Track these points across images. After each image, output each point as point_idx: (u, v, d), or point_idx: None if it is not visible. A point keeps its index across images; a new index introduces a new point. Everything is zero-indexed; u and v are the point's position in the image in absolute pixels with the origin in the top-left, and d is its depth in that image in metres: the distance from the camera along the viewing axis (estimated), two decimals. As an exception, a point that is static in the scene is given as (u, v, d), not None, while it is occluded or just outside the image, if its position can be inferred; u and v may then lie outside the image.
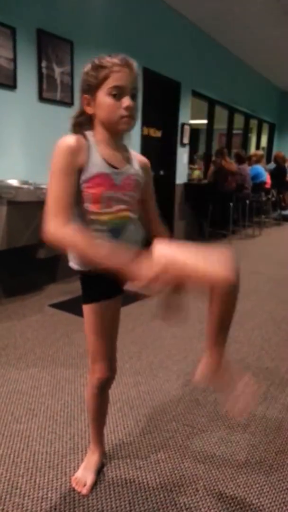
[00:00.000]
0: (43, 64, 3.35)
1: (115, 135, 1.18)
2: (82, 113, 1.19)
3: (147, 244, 1.27)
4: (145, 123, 4.92)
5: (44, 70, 3.36)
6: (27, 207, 2.86)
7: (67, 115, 1.24)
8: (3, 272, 3.24)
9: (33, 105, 3.35)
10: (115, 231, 1.20)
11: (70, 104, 3.59)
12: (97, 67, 1.12)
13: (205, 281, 1.07)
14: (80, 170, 1.12)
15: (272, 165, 7.97)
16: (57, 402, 1.94)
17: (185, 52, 5.48)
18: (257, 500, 1.42)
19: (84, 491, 1.42)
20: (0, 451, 1.61)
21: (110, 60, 1.11)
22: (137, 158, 1.28)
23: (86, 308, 1.30)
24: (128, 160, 1.23)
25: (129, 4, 4.29)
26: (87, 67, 1.15)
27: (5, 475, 1.50)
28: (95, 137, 1.18)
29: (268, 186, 7.23)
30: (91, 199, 1.15)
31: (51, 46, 3.39)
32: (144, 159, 1.32)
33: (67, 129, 1.22)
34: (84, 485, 1.44)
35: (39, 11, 3.29)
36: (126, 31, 4.30)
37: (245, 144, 8.52)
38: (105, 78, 1.10)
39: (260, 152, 7.73)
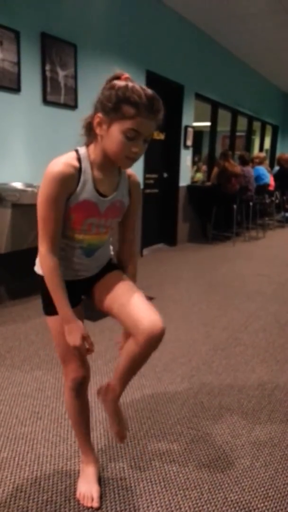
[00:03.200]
0: (47, 67, 3.36)
1: (111, 162, 1.17)
2: (90, 122, 1.16)
3: (110, 264, 1.38)
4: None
5: (48, 73, 3.37)
6: (31, 210, 2.82)
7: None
8: (7, 275, 3.25)
9: (37, 108, 3.36)
10: (89, 251, 1.27)
11: (74, 107, 3.61)
12: (124, 100, 1.05)
13: (132, 327, 1.18)
14: (69, 195, 1.14)
15: (276, 167, 7.97)
16: (62, 405, 1.94)
17: (188, 55, 5.49)
18: (262, 504, 1.42)
19: (95, 504, 1.38)
20: (5, 454, 1.61)
21: (139, 98, 1.05)
22: (128, 178, 1.27)
23: (50, 320, 1.30)
24: (117, 185, 1.23)
25: (132, 8, 4.31)
26: (113, 87, 1.07)
27: (10, 478, 1.50)
28: (90, 158, 1.16)
29: (271, 188, 7.22)
30: (73, 220, 1.18)
31: (55, 49, 3.41)
32: (135, 178, 1.30)
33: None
34: (92, 499, 1.39)
35: (43, 15, 3.30)
36: (129, 34, 4.31)
37: (248, 146, 8.52)
38: (129, 118, 1.06)
39: (263, 154, 7.73)
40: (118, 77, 1.12)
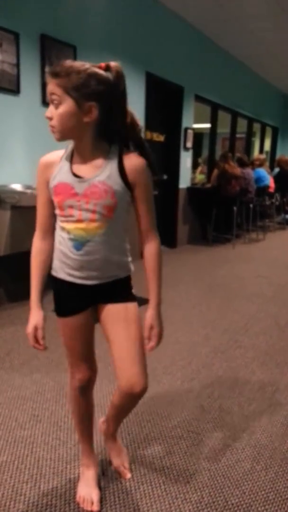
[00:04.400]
0: (46, 69, 3.36)
1: (85, 146, 1.16)
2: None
3: (124, 291, 1.30)
4: (148, 127, 4.93)
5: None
6: (31, 212, 2.82)
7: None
8: (6, 277, 3.24)
9: (37, 109, 3.36)
10: (77, 243, 1.20)
11: (73, 109, 3.60)
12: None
13: (117, 377, 1.25)
14: (48, 180, 1.21)
15: (276, 169, 7.97)
16: (61, 408, 1.93)
17: (188, 57, 5.50)
18: (263, 508, 1.41)
19: (95, 508, 1.37)
20: (4, 457, 1.61)
21: (47, 69, 1.17)
22: (126, 161, 1.17)
23: (57, 320, 1.31)
24: (99, 167, 1.16)
25: (131, 9, 4.31)
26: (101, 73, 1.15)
27: (9, 481, 1.49)
28: (74, 145, 1.20)
29: (271, 190, 7.22)
30: (56, 206, 1.22)
31: (54, 51, 3.41)
32: (134, 161, 1.18)
33: None
34: (92, 503, 1.38)
35: (42, 16, 3.31)
36: (129, 35, 4.32)
37: (248, 148, 8.52)
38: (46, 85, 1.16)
39: (263, 156, 7.73)
40: None
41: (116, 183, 1.16)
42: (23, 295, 3.35)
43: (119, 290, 1.28)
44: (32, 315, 1.26)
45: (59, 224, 1.23)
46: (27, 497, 1.42)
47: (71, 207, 1.17)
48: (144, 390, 1.23)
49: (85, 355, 1.36)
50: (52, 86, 1.11)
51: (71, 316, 1.28)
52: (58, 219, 1.23)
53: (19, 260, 3.20)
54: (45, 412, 1.89)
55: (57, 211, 1.22)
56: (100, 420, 1.56)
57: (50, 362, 2.35)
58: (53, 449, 1.66)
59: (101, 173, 1.17)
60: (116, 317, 1.26)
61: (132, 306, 1.28)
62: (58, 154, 1.22)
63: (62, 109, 1.11)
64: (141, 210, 1.23)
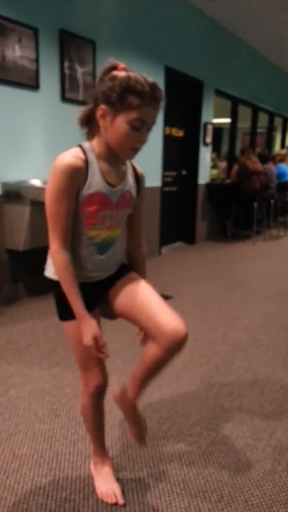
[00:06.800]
0: (66, 64, 3.36)
1: (115, 154, 1.16)
2: (89, 115, 1.15)
3: (124, 267, 1.34)
4: (167, 122, 4.88)
5: (66, 70, 3.37)
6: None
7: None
8: (26, 272, 3.27)
9: (56, 105, 3.36)
10: (102, 247, 1.23)
11: (92, 104, 3.60)
12: (129, 90, 1.04)
13: (155, 330, 1.17)
14: (78, 188, 1.12)
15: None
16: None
17: (208, 51, 5.42)
18: (284, 509, 1.37)
19: (120, 501, 1.37)
20: (24, 451, 1.62)
21: (142, 87, 1.04)
22: (133, 170, 1.26)
23: (68, 324, 1.24)
24: (123, 175, 1.21)
25: (150, 3, 4.27)
26: (114, 77, 1.06)
27: (29, 474, 1.50)
28: (94, 151, 1.15)
29: (292, 185, 7.08)
30: (86, 215, 1.15)
31: (73, 46, 3.40)
32: (140, 171, 1.28)
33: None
34: (116, 496, 1.38)
35: (61, 12, 3.30)
36: (148, 29, 4.28)
37: (269, 143, 8.38)
38: (135, 108, 1.05)
39: (284, 151, 7.57)
40: (115, 67, 1.10)
41: (135, 191, 1.26)
42: (43, 290, 3.38)
43: (119, 271, 1.32)
44: (87, 326, 1.17)
45: (80, 230, 1.18)
46: (46, 490, 1.43)
47: (104, 217, 1.18)
48: (187, 336, 1.17)
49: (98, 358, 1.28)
50: (155, 113, 1.10)
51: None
52: (82, 226, 1.17)
53: (39, 255, 3.22)
54: (64, 407, 1.90)
55: (84, 219, 1.16)
56: (115, 392, 1.35)
57: (69, 357, 2.36)
58: (72, 444, 1.66)
59: (127, 182, 1.22)
60: (128, 284, 1.28)
61: (132, 273, 1.33)
62: (79, 156, 1.12)
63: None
64: (137, 216, 1.32)
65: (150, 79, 1.08)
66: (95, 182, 1.14)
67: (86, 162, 1.12)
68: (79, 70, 3.49)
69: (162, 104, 1.11)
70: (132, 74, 1.06)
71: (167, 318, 1.16)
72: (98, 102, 1.10)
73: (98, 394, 1.34)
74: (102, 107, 1.08)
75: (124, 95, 1.05)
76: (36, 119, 3.24)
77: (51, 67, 3.28)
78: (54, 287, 1.21)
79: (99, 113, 1.10)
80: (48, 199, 1.12)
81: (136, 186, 1.26)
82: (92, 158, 1.14)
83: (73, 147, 1.15)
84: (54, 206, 1.11)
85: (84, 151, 1.14)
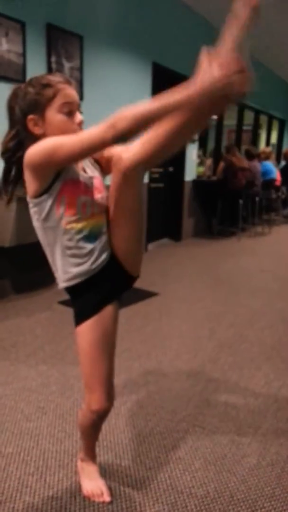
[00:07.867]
0: (53, 59, 3.32)
1: None
2: (18, 138, 1.13)
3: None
4: (155, 119, 4.87)
5: (53, 65, 3.34)
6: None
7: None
8: (12, 269, 3.24)
9: (43, 100, 3.32)
10: (92, 236, 1.17)
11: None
12: (42, 86, 1.10)
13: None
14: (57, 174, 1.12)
15: (282, 162, 7.89)
16: (67, 400, 1.93)
17: (195, 47, 5.37)
18: (268, 504, 1.40)
19: (107, 498, 1.38)
20: (10, 449, 1.61)
21: (48, 79, 1.11)
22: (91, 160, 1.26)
23: (86, 326, 1.21)
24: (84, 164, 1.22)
25: (139, -1, 4.25)
26: (26, 88, 1.11)
27: (15, 473, 1.50)
28: None
29: (277, 183, 7.16)
30: (65, 204, 1.14)
31: (60, 40, 3.36)
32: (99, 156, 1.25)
33: None
34: (102, 493, 1.39)
35: (49, 6, 3.26)
36: (136, 25, 4.25)
37: (254, 141, 8.44)
38: (54, 96, 1.09)
39: (269, 148, 7.65)
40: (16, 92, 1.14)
41: (100, 173, 1.26)
42: (29, 287, 3.36)
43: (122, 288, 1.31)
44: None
45: (64, 228, 1.19)
46: (33, 489, 1.43)
47: (84, 204, 1.18)
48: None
49: (108, 375, 1.24)
50: (75, 93, 1.14)
51: (105, 306, 1.20)
52: (63, 222, 1.19)
53: (25, 252, 3.20)
54: (51, 405, 1.90)
55: (64, 212, 1.19)
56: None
57: (55, 354, 2.35)
58: (58, 441, 1.66)
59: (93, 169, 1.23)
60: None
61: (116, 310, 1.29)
62: None
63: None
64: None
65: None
66: (72, 170, 1.15)
67: None
68: (66, 65, 3.46)
69: (75, 85, 1.15)
70: (32, 78, 1.13)
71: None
72: (24, 118, 1.11)
73: (99, 418, 1.31)
74: (30, 117, 1.11)
75: (40, 93, 1.09)
76: (22, 113, 3.19)
77: (38, 61, 3.24)
78: (69, 293, 1.22)
79: (30, 124, 1.11)
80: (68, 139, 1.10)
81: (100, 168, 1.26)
82: None
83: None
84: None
85: None
